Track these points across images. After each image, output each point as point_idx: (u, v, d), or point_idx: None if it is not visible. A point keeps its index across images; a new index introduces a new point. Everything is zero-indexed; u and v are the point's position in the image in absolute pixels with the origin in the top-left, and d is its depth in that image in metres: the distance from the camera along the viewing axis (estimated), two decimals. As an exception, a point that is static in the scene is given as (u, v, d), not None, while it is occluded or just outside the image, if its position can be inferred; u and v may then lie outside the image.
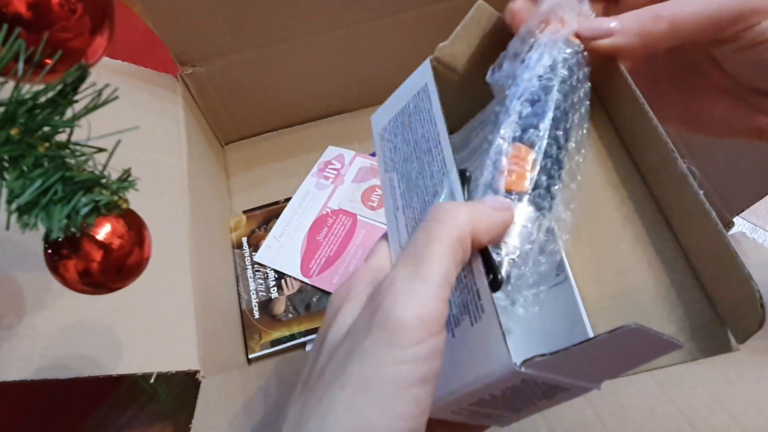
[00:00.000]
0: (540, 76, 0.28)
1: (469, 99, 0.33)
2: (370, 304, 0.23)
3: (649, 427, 0.35)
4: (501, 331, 0.21)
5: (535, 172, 0.27)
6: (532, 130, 0.28)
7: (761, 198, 0.43)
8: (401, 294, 0.21)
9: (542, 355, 0.20)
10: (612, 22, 0.28)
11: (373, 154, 0.65)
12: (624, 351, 0.22)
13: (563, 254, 0.28)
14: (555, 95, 0.28)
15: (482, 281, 0.23)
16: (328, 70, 0.65)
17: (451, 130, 0.35)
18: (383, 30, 0.61)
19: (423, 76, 0.31)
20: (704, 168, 0.48)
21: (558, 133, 0.28)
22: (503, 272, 0.25)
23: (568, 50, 0.29)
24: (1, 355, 0.34)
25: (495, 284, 0.24)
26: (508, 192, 0.27)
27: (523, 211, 0.26)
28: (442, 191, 0.27)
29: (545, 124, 0.28)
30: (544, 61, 0.28)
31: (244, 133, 0.70)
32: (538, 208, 0.27)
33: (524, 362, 0.20)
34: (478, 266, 0.24)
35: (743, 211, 0.46)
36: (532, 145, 0.27)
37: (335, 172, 0.64)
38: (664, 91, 0.32)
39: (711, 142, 0.46)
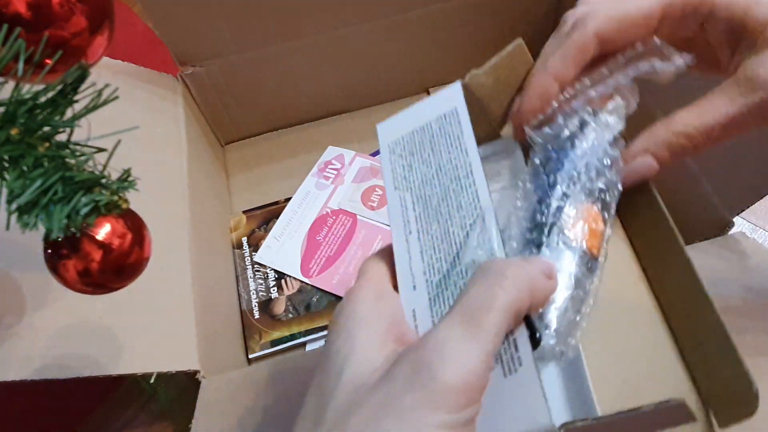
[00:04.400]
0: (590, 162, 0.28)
1: (477, 128, 0.33)
2: (411, 354, 0.21)
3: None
4: (541, 390, 0.21)
5: (607, 236, 0.27)
6: (599, 196, 0.28)
7: (761, 198, 0.43)
8: (452, 356, 0.20)
9: (584, 419, 0.20)
10: (648, 159, 0.28)
11: (373, 154, 0.65)
12: (651, 421, 0.21)
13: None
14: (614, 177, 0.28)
15: (522, 331, 0.23)
16: (328, 70, 0.65)
17: None
18: (383, 30, 0.61)
19: (452, 98, 0.30)
20: (704, 168, 0.48)
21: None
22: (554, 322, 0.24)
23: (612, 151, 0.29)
24: (1, 355, 0.34)
25: (533, 343, 0.23)
26: (589, 251, 0.26)
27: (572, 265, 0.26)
28: (474, 229, 0.26)
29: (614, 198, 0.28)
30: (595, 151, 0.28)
31: (244, 133, 0.70)
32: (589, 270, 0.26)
33: (564, 425, 0.20)
34: None
35: (743, 211, 0.46)
36: (602, 210, 0.27)
37: (335, 172, 0.64)
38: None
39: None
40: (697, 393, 0.26)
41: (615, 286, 0.28)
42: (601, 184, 0.28)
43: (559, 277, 0.25)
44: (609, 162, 0.28)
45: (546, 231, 0.26)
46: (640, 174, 0.28)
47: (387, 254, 0.29)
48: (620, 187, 0.28)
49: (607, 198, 0.28)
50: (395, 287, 0.28)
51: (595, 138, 0.28)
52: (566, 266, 0.26)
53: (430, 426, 0.19)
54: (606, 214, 0.28)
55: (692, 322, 0.26)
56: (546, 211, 0.27)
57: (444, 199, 0.28)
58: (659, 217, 0.29)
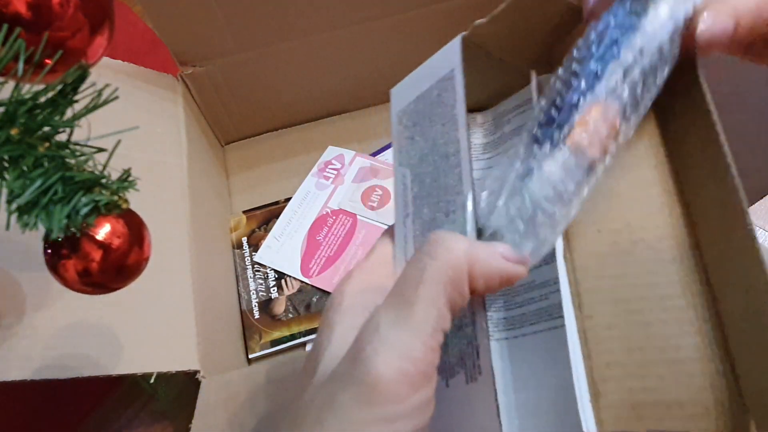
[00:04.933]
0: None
1: (500, 81, 0.28)
2: (354, 345, 0.20)
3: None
4: (496, 403, 0.20)
5: (620, 138, 0.22)
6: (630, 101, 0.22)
7: (761, 198, 0.43)
8: (383, 344, 0.19)
9: None
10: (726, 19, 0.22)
11: (373, 154, 0.65)
12: None
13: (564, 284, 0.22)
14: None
15: (484, 340, 0.21)
16: (328, 70, 0.65)
17: (479, 107, 0.30)
18: (383, 30, 0.61)
19: (451, 57, 0.26)
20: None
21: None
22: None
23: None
24: (1, 355, 0.34)
25: None
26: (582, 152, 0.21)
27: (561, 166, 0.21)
28: (453, 218, 0.24)
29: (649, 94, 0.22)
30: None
31: (244, 133, 0.70)
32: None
33: None
34: (482, 321, 0.21)
35: (743, 211, 0.46)
36: (623, 111, 0.22)
37: (335, 172, 0.64)
38: None
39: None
40: (734, 380, 0.21)
41: (638, 216, 0.23)
42: (646, 79, 0.22)
43: (537, 174, 0.22)
44: (668, 49, 0.22)
45: (551, 128, 0.22)
46: (711, 35, 0.22)
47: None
48: (657, 86, 0.23)
49: (632, 99, 0.22)
50: None
51: (671, 10, 0.22)
52: (551, 166, 0.22)
53: (368, 423, 0.18)
54: (630, 116, 0.22)
55: (747, 299, 0.21)
56: (562, 104, 0.22)
57: (435, 180, 0.25)
58: (718, 171, 0.23)
